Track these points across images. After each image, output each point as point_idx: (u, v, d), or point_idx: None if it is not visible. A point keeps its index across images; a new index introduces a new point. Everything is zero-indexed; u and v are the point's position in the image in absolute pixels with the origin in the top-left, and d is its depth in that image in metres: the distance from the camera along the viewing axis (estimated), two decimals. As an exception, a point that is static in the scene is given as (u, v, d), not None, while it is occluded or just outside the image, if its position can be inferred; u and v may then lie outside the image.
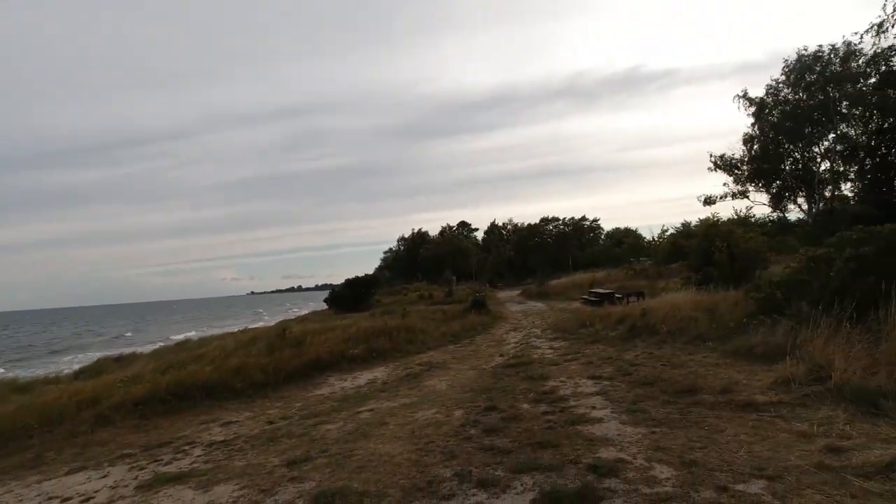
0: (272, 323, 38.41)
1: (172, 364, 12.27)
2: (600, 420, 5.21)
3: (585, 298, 21.83)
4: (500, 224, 62.12)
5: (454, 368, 9.84)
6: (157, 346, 28.53)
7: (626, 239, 43.00)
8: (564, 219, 60.18)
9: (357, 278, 37.36)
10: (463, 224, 63.65)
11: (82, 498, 4.86)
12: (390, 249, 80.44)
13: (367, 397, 8.08)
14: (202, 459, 5.67)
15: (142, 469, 5.59)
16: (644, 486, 3.51)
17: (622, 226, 60.88)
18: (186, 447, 6.34)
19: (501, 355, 10.86)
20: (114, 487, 5.05)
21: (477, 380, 8.22)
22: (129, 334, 51.98)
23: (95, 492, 4.99)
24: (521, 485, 3.74)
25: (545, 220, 59.82)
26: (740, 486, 3.36)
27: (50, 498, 4.98)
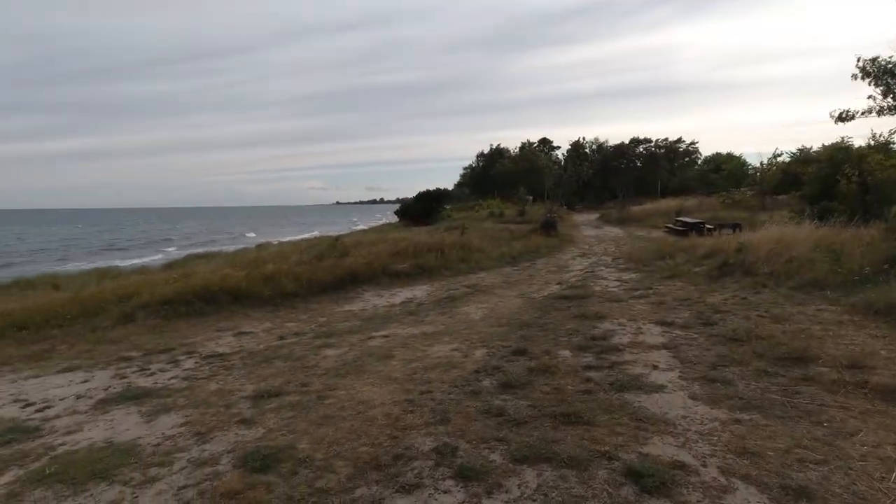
0: (359, 228, 39.15)
1: (233, 263, 12.13)
2: (661, 388, 3.78)
3: (670, 227, 19.34)
4: (584, 142, 57.47)
5: (500, 294, 8.60)
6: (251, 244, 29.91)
7: (726, 165, 37.77)
8: (657, 140, 54.34)
9: (428, 192, 36.43)
10: (544, 141, 59.40)
11: (42, 405, 4.34)
12: (469, 166, 78.55)
13: (390, 320, 7.13)
14: (183, 375, 5.01)
15: (123, 378, 5.05)
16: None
17: (724, 151, 54.14)
18: (182, 357, 5.77)
19: (558, 283, 9.44)
20: (79, 397, 4.50)
21: (519, 311, 6.95)
22: (251, 234, 54.64)
23: (60, 400, 4.47)
24: (518, 486, 2.52)
25: (635, 141, 54.23)
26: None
27: (15, 400, 4.53)
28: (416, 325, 6.51)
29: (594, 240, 19.01)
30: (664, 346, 4.89)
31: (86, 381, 5.03)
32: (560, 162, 55.35)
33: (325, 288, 9.64)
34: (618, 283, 8.99)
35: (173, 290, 8.38)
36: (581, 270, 11.17)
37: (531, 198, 41.73)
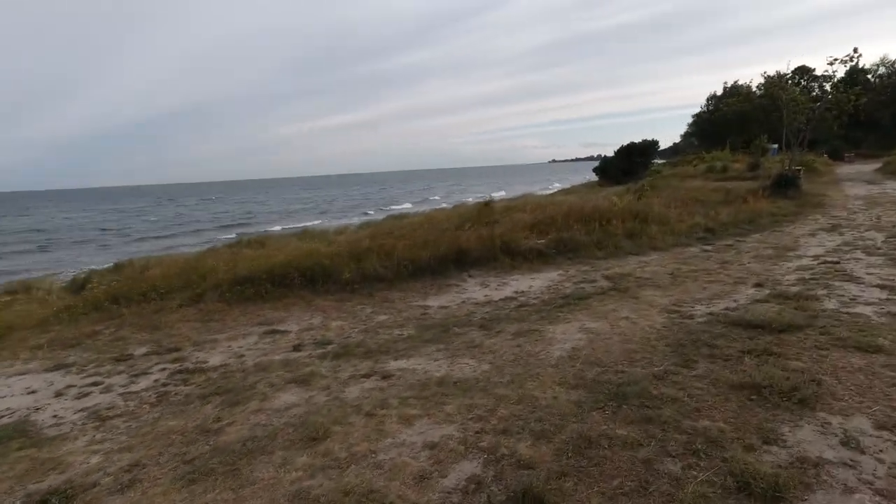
0: (551, 189, 36.66)
1: (370, 232, 11.28)
2: None
3: None
4: (865, 67, 41.87)
5: (640, 300, 5.39)
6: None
7: None
8: None
9: (631, 145, 31.21)
10: (802, 70, 45.38)
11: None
12: (698, 112, 67.08)
13: (442, 336, 4.80)
14: (133, 405, 3.75)
15: (81, 392, 4.05)
16: None
17: None
18: (164, 366, 4.63)
19: (758, 285, 5.67)
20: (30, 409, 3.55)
21: (637, 349, 3.84)
22: (435, 197, 57.74)
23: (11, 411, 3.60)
24: None
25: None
26: None
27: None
28: (453, 358, 4.07)
29: (861, 203, 12.84)
30: None
31: (53, 385, 4.25)
32: (823, 96, 41.51)
33: (423, 270, 7.72)
34: (881, 297, 4.85)
35: (248, 268, 7.50)
36: (814, 259, 6.85)
37: (776, 146, 32.41)
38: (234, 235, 23.25)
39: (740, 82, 45.98)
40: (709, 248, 8.59)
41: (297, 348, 4.89)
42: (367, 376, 3.82)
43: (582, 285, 6.54)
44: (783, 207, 12.14)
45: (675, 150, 72.25)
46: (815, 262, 6.62)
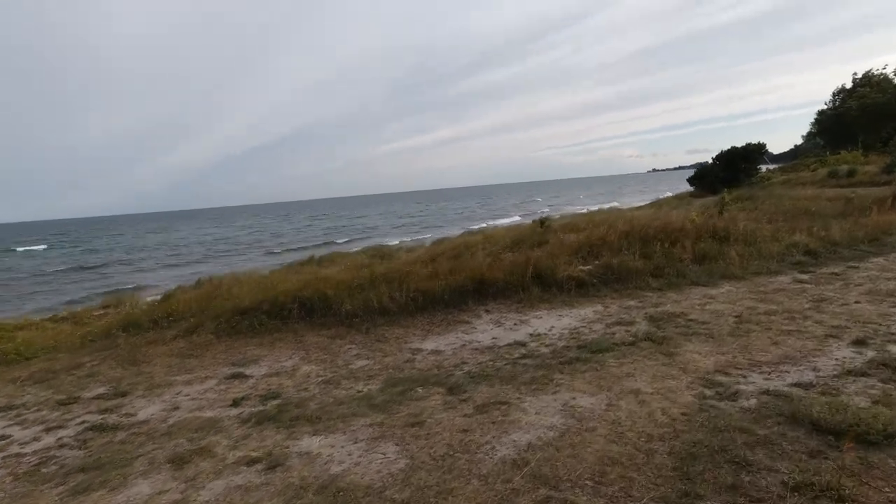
0: (648, 200, 33.91)
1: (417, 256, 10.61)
2: None
3: None
4: None
5: (672, 362, 3.95)
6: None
7: None
8: None
9: (732, 150, 27.63)
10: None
11: None
12: (822, 111, 59.35)
13: (393, 401, 3.79)
14: (1, 473, 3.21)
15: None
16: None
17: None
18: (95, 416, 4.14)
19: (860, 341, 3.97)
20: None
21: (636, 452, 2.56)
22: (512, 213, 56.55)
23: None
24: None
25: None
26: None
27: None
28: (377, 441, 3.04)
29: None
30: None
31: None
32: None
33: (436, 302, 6.75)
34: None
35: (251, 299, 7.02)
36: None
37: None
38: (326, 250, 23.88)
39: (875, 70, 39.36)
40: (805, 277, 6.70)
41: (236, 403, 4.16)
42: (255, 461, 2.94)
43: (614, 329, 5.18)
44: (923, 222, 9.52)
45: (795, 153, 64.41)
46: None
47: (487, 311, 6.44)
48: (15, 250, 48.12)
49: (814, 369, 3.50)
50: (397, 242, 25.17)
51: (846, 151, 31.65)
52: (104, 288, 20.00)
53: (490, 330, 5.74)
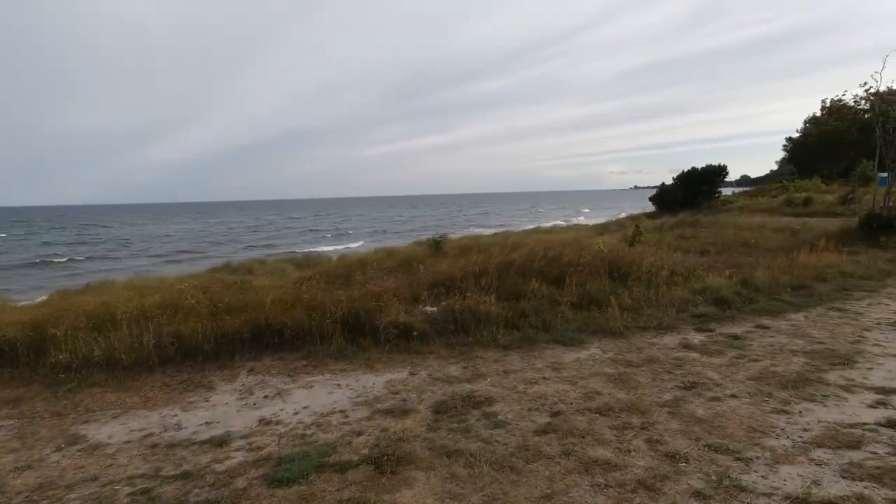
0: (595, 221, 32.50)
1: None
2: None
3: None
4: None
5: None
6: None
7: None
8: None
9: (692, 171, 26.45)
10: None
11: None
12: (789, 138, 59.60)
13: None
14: None
15: None
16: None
17: None
18: None
19: (699, 493, 2.25)
20: None
21: None
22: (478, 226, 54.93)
23: None
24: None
25: None
26: None
27: None
28: None
29: None
30: None
31: None
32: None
33: (193, 352, 4.88)
34: None
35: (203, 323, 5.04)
36: (885, 395, 3.21)
37: (885, 175, 26.18)
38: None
39: (847, 99, 38.33)
40: (697, 340, 5.02)
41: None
42: None
43: (372, 423, 3.39)
44: (864, 264, 8.01)
45: (771, 177, 64.61)
46: (879, 411, 3.00)
47: (251, 372, 4.59)
48: None
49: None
50: (331, 249, 23.17)
51: (808, 180, 30.77)
52: None
53: (223, 406, 3.91)
